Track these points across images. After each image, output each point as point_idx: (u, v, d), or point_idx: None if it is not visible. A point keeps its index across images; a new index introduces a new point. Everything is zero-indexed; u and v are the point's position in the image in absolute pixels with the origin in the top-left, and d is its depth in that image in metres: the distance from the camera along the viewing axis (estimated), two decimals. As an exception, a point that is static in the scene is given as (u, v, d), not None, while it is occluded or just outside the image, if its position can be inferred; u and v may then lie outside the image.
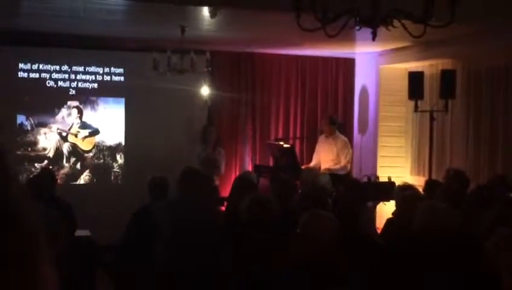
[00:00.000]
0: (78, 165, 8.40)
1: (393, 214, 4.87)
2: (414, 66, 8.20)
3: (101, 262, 5.53)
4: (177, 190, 4.59)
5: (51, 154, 8.27)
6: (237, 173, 8.23)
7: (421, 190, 5.58)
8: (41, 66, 8.21)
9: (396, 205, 4.84)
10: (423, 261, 3.19)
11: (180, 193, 4.49)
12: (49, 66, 8.23)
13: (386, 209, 7.03)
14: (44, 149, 8.26)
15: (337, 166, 8.05)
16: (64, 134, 8.33)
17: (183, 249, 3.89)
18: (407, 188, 5.07)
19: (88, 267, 5.05)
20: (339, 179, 7.48)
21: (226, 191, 6.71)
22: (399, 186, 5.44)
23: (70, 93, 8.33)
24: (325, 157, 8.21)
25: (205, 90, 8.70)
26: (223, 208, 5.96)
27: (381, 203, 7.36)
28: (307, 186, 5.95)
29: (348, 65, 9.48)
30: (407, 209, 4.22)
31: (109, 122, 8.48)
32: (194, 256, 3.74)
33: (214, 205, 5.55)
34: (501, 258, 2.26)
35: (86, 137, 8.43)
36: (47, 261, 0.89)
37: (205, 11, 6.04)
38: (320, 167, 8.00)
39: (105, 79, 8.44)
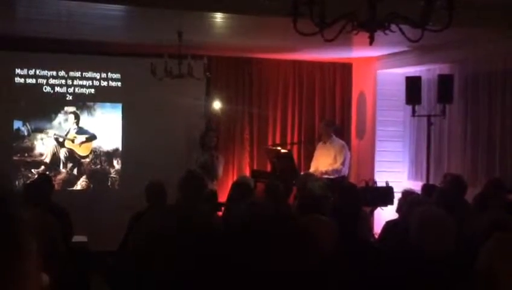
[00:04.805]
0: (75, 171, 8.38)
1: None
2: (411, 70, 8.21)
3: (100, 267, 5.50)
4: (179, 194, 4.56)
5: (47, 160, 8.25)
6: (234, 178, 8.21)
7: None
8: (38, 72, 8.19)
9: (397, 210, 4.85)
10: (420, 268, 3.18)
11: (181, 197, 4.47)
12: (46, 71, 8.21)
13: (383, 214, 7.03)
14: (41, 155, 8.24)
15: (331, 167, 8.00)
16: (61, 139, 8.31)
17: (182, 256, 3.87)
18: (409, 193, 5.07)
19: (83, 272, 5.03)
20: (338, 184, 7.45)
21: (223, 197, 6.69)
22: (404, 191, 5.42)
23: (67, 98, 8.31)
24: (324, 161, 8.21)
25: (202, 95, 8.70)
26: (220, 213, 5.95)
27: (379, 208, 7.36)
28: (303, 191, 5.93)
29: (345, 70, 9.48)
30: (407, 214, 4.21)
31: (106, 127, 8.46)
32: (192, 262, 3.72)
33: (213, 210, 5.53)
34: (501, 262, 2.24)
35: (82, 142, 8.41)
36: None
37: (203, 16, 6.04)
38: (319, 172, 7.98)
39: (102, 84, 8.42)
